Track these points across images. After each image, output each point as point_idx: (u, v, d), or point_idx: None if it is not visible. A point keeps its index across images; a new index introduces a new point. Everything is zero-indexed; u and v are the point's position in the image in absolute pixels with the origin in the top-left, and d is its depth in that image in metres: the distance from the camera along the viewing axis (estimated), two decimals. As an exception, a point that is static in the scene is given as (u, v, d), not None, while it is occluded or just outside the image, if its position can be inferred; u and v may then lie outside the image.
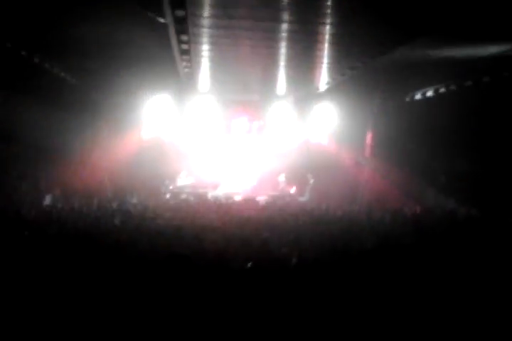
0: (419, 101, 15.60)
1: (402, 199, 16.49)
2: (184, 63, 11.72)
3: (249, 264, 6.97)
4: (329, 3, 7.79)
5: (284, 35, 9.67)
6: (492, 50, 10.24)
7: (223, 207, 13.92)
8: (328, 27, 9.13)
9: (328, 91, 15.46)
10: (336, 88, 14.78)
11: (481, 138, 13.17)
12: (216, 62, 12.31)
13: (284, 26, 9.15)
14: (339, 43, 10.18)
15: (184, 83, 15.03)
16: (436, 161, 15.99)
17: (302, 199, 19.30)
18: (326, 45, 10.36)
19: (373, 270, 6.92)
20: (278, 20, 8.78)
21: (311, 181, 19.71)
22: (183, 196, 18.43)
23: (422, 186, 16.54)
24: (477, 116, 13.06)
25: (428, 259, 7.54)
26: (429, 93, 14.77)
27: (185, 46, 10.07)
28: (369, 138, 18.46)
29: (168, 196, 18.59)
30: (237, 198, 17.99)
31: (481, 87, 12.62)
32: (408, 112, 16.04)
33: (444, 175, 15.67)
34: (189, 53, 10.69)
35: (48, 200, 14.61)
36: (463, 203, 13.82)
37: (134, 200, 16.30)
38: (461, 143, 14.10)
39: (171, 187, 19.57)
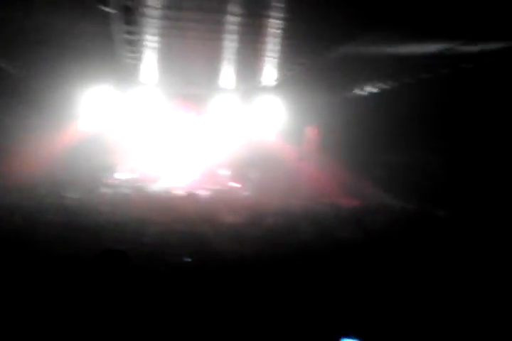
0: (362, 96, 15.91)
1: (342, 193, 16.84)
2: (129, 54, 11.40)
3: (186, 259, 6.93)
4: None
5: (232, 28, 9.55)
6: (433, 48, 10.54)
7: (162, 201, 13.71)
8: (276, 21, 9.09)
9: (276, 86, 15.49)
10: (283, 83, 14.83)
11: (421, 134, 13.58)
12: (162, 53, 12.04)
13: (233, 19, 9.03)
14: (287, 38, 10.17)
15: (127, 75, 14.66)
16: (375, 156, 16.38)
17: (245, 193, 19.32)
18: (274, 40, 10.34)
19: (312, 262, 7.04)
20: (226, 13, 8.66)
21: (255, 176, 19.76)
22: (122, 190, 17.97)
23: (362, 180, 16.90)
24: (417, 112, 13.45)
25: (363, 251, 7.74)
26: (373, 89, 15.08)
27: (130, 37, 9.78)
28: (313, 133, 18.68)
29: (105, 190, 18.09)
30: (178, 192, 17.79)
31: (421, 83, 13.00)
32: (351, 108, 16.34)
33: (384, 170, 16.09)
34: (135, 44, 10.40)
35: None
36: (399, 197, 14.24)
37: (70, 194, 15.74)
38: (401, 138, 14.51)
39: (109, 181, 19.08)
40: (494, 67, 10.77)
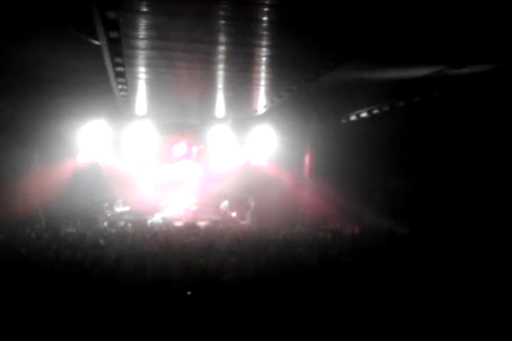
0: (354, 122, 15.99)
1: (341, 219, 16.71)
2: (120, 86, 11.51)
3: (188, 292, 6.83)
4: (264, 24, 7.85)
5: (220, 57, 9.66)
6: (422, 72, 10.65)
7: (163, 234, 13.64)
8: (263, 49, 9.21)
9: (267, 113, 15.57)
10: (274, 110, 14.91)
11: (414, 157, 13.56)
12: (152, 84, 12.16)
13: (220, 48, 9.16)
14: (275, 65, 10.28)
15: (120, 107, 14.75)
16: (372, 181, 16.32)
17: (243, 222, 19.21)
18: (262, 68, 10.44)
19: (315, 288, 6.97)
20: (213, 42, 8.76)
21: (252, 204, 19.69)
22: (122, 223, 17.90)
23: (360, 206, 16.80)
24: (409, 135, 13.48)
25: (365, 276, 7.65)
26: (364, 114, 15.16)
27: (120, 68, 9.89)
28: (307, 159, 18.70)
29: (105, 224, 18.00)
30: (178, 224, 17.71)
31: (412, 107, 13.08)
32: (344, 133, 16.39)
33: (381, 194, 16.00)
34: (124, 76, 10.50)
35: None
36: (398, 221, 14.11)
37: (70, 229, 15.64)
38: (395, 162, 14.48)
39: (108, 215, 19.02)
40: (483, 89, 10.87)
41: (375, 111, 14.58)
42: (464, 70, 10.31)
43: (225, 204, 20.10)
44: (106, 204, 19.25)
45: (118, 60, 9.23)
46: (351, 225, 16.17)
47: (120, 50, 8.61)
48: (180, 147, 20.17)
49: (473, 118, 11.35)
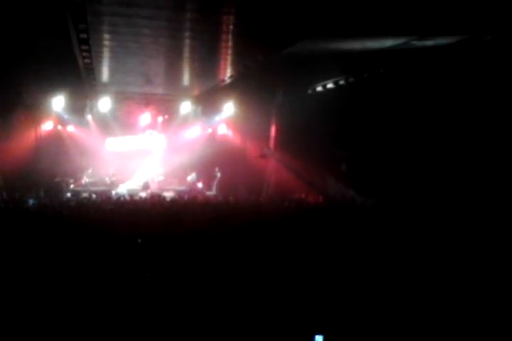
0: (320, 93, 16.02)
1: (307, 189, 16.93)
2: (84, 53, 11.22)
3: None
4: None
5: (186, 24, 9.50)
6: (388, 43, 10.69)
7: (127, 205, 13.53)
8: (231, 17, 9.09)
9: (233, 84, 15.43)
10: (241, 81, 14.79)
11: (380, 128, 13.73)
12: (117, 52, 11.88)
13: (187, 15, 8.98)
14: (242, 34, 10.16)
15: (84, 75, 14.38)
16: (337, 151, 16.51)
17: (209, 193, 19.29)
18: (229, 36, 10.31)
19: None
20: (180, 9, 8.58)
21: (219, 175, 19.75)
22: (85, 194, 17.73)
23: (326, 176, 17.02)
24: (374, 106, 13.62)
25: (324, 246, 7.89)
26: (330, 85, 15.21)
27: (83, 35, 9.62)
28: (273, 130, 18.75)
29: (69, 195, 17.80)
30: (143, 194, 17.65)
31: (377, 78, 13.18)
32: (310, 104, 16.43)
33: (345, 165, 16.22)
34: (88, 43, 10.23)
35: None
36: (363, 192, 14.37)
37: (32, 200, 15.40)
38: (361, 132, 14.66)
39: (71, 186, 18.81)
40: (448, 61, 11.01)
41: (341, 82, 14.64)
42: (429, 42, 10.41)
43: (192, 175, 20.12)
44: (70, 175, 19.05)
45: (82, 26, 8.98)
46: (316, 195, 16.44)
47: (83, 15, 8.36)
48: (145, 117, 19.95)
49: (437, 91, 11.50)
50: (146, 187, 19.13)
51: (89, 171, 19.42)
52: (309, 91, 16.59)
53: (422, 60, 11.58)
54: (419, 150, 12.26)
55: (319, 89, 15.98)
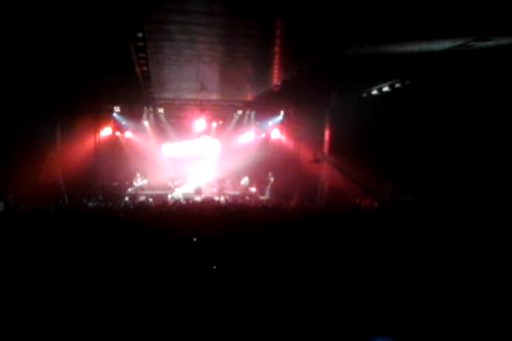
0: (376, 96, 15.74)
1: (360, 194, 16.65)
2: (141, 61, 11.50)
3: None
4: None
5: (240, 30, 9.56)
6: (446, 45, 10.42)
7: (184, 209, 13.71)
8: (285, 22, 9.10)
9: (286, 88, 15.42)
10: (294, 85, 14.75)
11: (438, 133, 13.36)
12: (173, 59, 12.09)
13: (241, 21, 9.04)
14: (296, 39, 10.15)
15: (142, 83, 14.72)
16: (393, 156, 16.17)
17: (263, 197, 19.33)
18: (283, 41, 10.32)
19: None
20: (234, 15, 8.67)
21: (272, 179, 19.77)
22: (142, 198, 18.15)
23: (381, 182, 16.70)
24: (431, 109, 13.27)
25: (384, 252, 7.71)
26: (386, 88, 14.92)
27: (140, 43, 9.87)
28: (327, 134, 18.58)
29: (126, 198, 18.25)
30: (198, 198, 17.87)
31: (434, 81, 12.84)
32: (365, 108, 16.17)
33: (401, 170, 15.86)
34: (145, 51, 10.48)
35: (0, 207, 14.07)
36: (420, 198, 14.00)
37: (91, 203, 15.88)
38: (417, 137, 14.31)
39: (129, 190, 19.27)
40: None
41: (397, 85, 14.35)
42: (489, 43, 10.08)
43: (245, 179, 20.22)
44: (127, 180, 19.55)
45: (139, 34, 9.23)
46: (371, 201, 16.14)
47: (141, 24, 8.58)
48: (200, 123, 20.23)
49: (497, 93, 11.10)
50: (198, 191, 19.36)
51: (138, 175, 19.77)
52: (364, 95, 16.33)
53: (482, 61, 11.21)
54: (482, 156, 11.82)
55: (374, 92, 15.69)
